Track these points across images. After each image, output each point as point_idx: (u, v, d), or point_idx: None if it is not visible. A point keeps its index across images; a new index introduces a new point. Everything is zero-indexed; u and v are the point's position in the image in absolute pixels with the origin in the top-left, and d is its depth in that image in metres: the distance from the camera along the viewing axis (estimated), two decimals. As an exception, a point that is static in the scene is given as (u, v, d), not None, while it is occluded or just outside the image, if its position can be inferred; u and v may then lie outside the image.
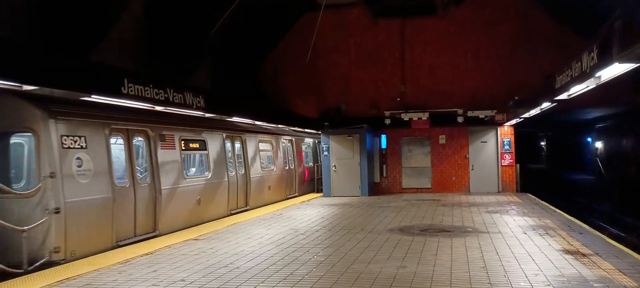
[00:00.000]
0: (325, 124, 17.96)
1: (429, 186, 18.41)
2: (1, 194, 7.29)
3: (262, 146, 15.76)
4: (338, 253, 7.62)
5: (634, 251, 7.42)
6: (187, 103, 9.68)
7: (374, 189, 18.27)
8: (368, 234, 9.31)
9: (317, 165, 20.81)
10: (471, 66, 18.05)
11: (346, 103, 18.95)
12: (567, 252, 7.31)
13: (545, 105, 11.24)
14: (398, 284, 5.80)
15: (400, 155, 18.71)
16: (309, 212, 12.92)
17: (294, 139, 18.69)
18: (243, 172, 14.07)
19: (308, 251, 7.86)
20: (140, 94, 8.11)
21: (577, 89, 7.94)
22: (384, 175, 18.75)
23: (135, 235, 9.21)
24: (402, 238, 8.82)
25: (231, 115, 12.33)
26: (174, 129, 10.82)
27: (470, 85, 18.00)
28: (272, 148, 16.59)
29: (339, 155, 17.52)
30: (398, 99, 18.45)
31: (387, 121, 18.02)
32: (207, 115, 11.10)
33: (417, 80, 18.48)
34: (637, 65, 5.51)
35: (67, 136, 7.76)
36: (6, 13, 8.89)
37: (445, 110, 17.85)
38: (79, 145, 7.98)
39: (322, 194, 17.99)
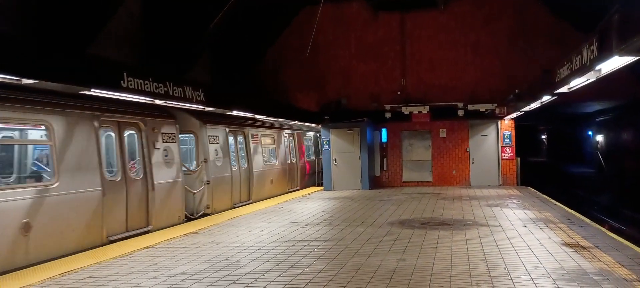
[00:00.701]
0: (326, 117, 17.98)
1: (430, 179, 18.43)
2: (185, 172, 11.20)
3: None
4: (338, 246, 7.64)
5: (634, 244, 7.43)
6: (187, 97, 9.68)
7: (375, 183, 18.29)
8: (368, 227, 9.34)
9: (318, 159, 20.84)
10: (471, 60, 18.05)
11: (347, 97, 18.95)
12: (567, 244, 7.33)
13: (546, 98, 11.23)
14: (398, 277, 5.82)
15: (400, 149, 18.72)
16: (309, 205, 12.95)
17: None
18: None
19: (308, 244, 7.88)
20: (140, 88, 8.10)
21: (577, 82, 7.93)
22: (385, 168, 18.77)
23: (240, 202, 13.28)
24: (402, 231, 8.84)
25: (231, 109, 12.31)
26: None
27: (470, 79, 18.00)
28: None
29: (340, 149, 17.53)
30: (398, 93, 18.45)
31: (388, 115, 18.03)
32: (207, 108, 11.10)
33: (418, 74, 18.48)
34: (637, 58, 5.51)
35: (210, 136, 12.05)
36: (3, 8, 8.87)
37: (446, 103, 17.86)
38: (215, 141, 12.30)
39: (322, 188, 18.02)
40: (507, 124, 17.97)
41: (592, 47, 6.37)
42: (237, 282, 5.81)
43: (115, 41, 11.66)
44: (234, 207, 12.84)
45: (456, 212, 11.04)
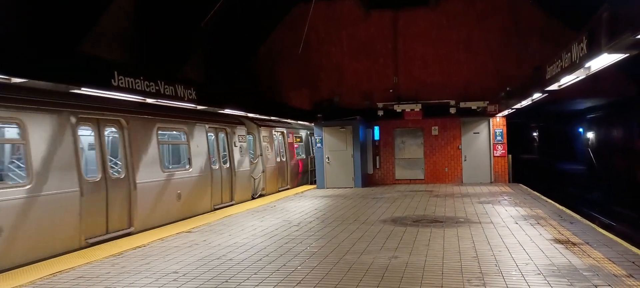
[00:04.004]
0: (319, 115, 17.97)
1: (422, 177, 18.49)
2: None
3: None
4: (331, 244, 7.66)
5: (624, 240, 7.50)
6: (179, 95, 9.63)
7: (368, 181, 18.33)
8: (361, 225, 9.35)
9: (310, 157, 20.85)
10: (463, 58, 18.11)
11: (339, 95, 18.96)
12: (558, 241, 7.39)
13: (536, 95, 11.30)
14: (390, 274, 5.84)
15: (393, 147, 18.77)
16: (302, 204, 12.95)
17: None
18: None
19: (301, 242, 7.89)
20: (131, 87, 8.06)
21: (567, 80, 7.99)
22: (377, 166, 18.81)
23: (283, 187, 17.07)
24: (394, 229, 8.87)
25: (223, 108, 12.26)
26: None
27: (462, 77, 18.08)
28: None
29: (332, 147, 17.54)
30: (391, 91, 18.49)
31: (380, 112, 18.07)
32: (199, 107, 11.06)
33: (410, 72, 18.52)
34: (626, 55, 5.56)
35: (264, 136, 15.82)
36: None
37: (438, 101, 17.91)
38: (265, 140, 16.09)
39: (315, 186, 18.02)
40: (498, 122, 18.06)
41: (581, 44, 6.41)
42: (229, 280, 5.81)
43: (106, 39, 11.57)
44: (279, 191, 15.72)
45: (448, 210, 11.08)
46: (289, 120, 17.97)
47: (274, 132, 17.05)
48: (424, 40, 18.39)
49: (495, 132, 18.02)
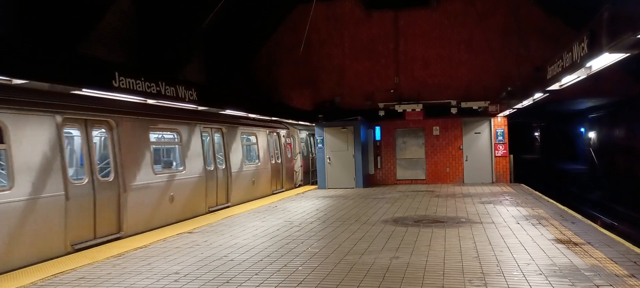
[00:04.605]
0: (320, 116, 17.96)
1: (424, 177, 18.48)
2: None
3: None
4: (332, 245, 7.65)
5: (626, 240, 7.49)
6: (180, 96, 9.64)
7: (369, 181, 18.32)
8: (362, 225, 9.35)
9: (311, 157, 20.87)
10: (464, 58, 18.10)
11: (340, 95, 18.96)
12: (559, 241, 7.37)
13: (537, 95, 11.29)
14: (391, 274, 5.84)
15: (394, 147, 18.76)
16: (303, 204, 12.95)
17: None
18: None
19: (302, 243, 7.88)
20: (132, 88, 8.07)
21: (568, 79, 7.99)
22: (379, 166, 18.80)
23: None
24: (396, 229, 8.86)
25: (224, 109, 12.27)
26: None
27: (463, 77, 18.07)
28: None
29: (334, 147, 17.54)
30: (392, 91, 18.49)
31: (381, 113, 18.06)
32: (200, 108, 11.07)
33: (411, 72, 18.51)
34: (627, 54, 5.55)
35: (300, 138, 19.91)
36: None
37: (439, 101, 17.91)
38: (302, 142, 20.24)
39: (317, 186, 18.02)
40: (500, 121, 18.05)
41: (582, 44, 6.40)
42: (230, 281, 5.81)
43: (106, 40, 11.60)
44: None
45: (449, 210, 11.07)
46: (306, 123, 19.11)
47: (299, 134, 20.32)
48: (425, 40, 18.39)
49: (497, 132, 18.00)
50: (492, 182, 17.82)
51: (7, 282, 6.04)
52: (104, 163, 9.48)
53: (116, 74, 7.74)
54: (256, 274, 6.07)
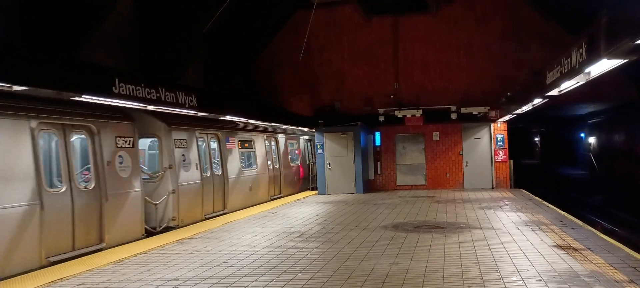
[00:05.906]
0: (320, 121, 17.97)
1: (424, 183, 18.47)
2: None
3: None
4: (332, 251, 7.65)
5: (626, 245, 7.48)
6: (180, 102, 9.64)
7: (369, 186, 18.31)
8: (362, 231, 9.34)
9: (310, 163, 20.86)
10: (463, 63, 18.13)
11: (340, 100, 18.98)
12: (559, 247, 7.37)
13: (537, 101, 11.31)
14: (391, 280, 5.83)
15: (394, 152, 18.76)
16: (303, 210, 12.94)
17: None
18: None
19: (302, 249, 7.88)
20: (132, 94, 8.07)
21: (567, 85, 8.00)
22: (379, 172, 18.80)
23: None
24: (395, 235, 8.86)
25: (224, 114, 12.28)
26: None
27: (462, 82, 18.08)
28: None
29: (333, 153, 17.54)
30: (392, 96, 18.50)
31: (381, 118, 18.08)
32: (200, 114, 11.07)
33: (410, 77, 18.54)
34: (625, 60, 5.56)
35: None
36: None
37: (439, 107, 17.92)
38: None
39: (317, 192, 18.02)
40: (499, 127, 18.06)
41: (581, 50, 6.42)
42: (230, 287, 5.80)
43: (107, 44, 11.62)
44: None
45: (449, 215, 11.07)
46: (304, 128, 19.18)
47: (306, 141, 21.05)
48: (425, 45, 18.42)
49: (497, 138, 18.01)
50: (492, 188, 17.81)
51: (8, 287, 6.03)
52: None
53: (116, 80, 7.74)
54: (256, 280, 6.06)
